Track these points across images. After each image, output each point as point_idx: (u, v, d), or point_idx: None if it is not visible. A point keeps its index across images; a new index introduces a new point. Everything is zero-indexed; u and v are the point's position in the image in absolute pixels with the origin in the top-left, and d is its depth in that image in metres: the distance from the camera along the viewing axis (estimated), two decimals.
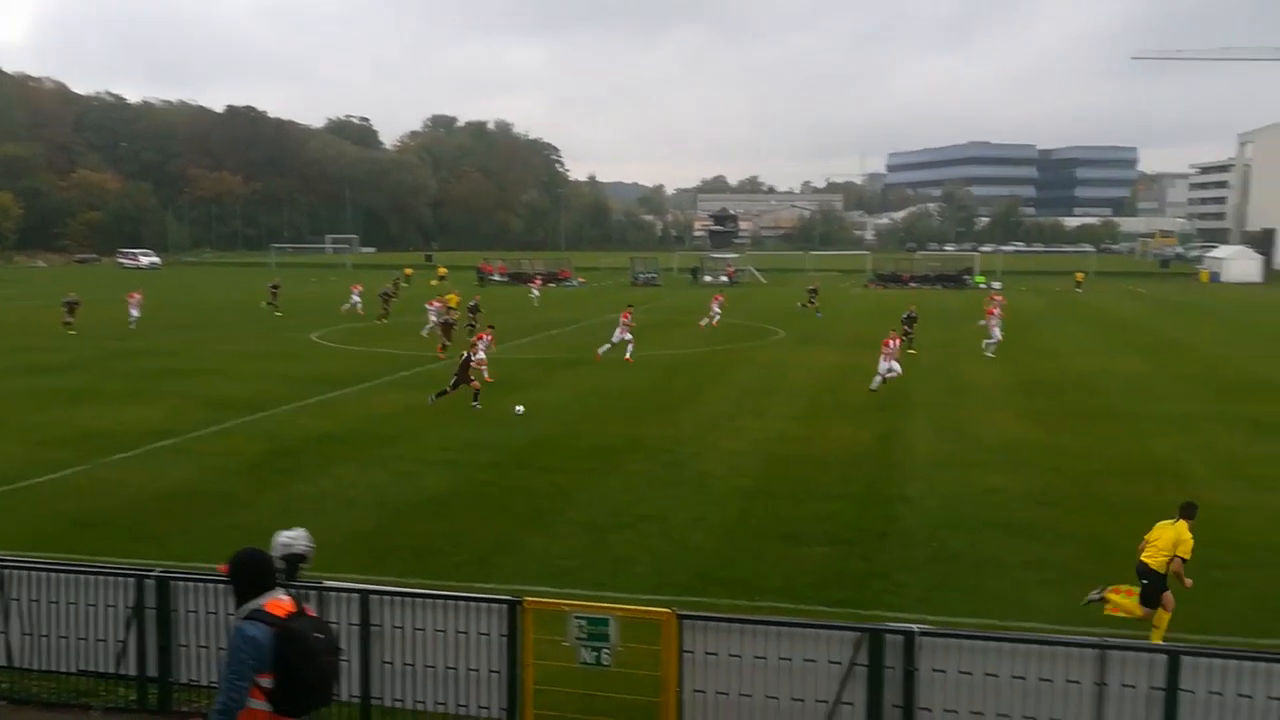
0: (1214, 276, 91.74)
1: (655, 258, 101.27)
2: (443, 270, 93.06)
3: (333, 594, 9.42)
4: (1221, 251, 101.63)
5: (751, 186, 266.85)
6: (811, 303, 57.02)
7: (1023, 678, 8.39)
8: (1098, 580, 13.46)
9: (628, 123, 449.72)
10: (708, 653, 8.79)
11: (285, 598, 6.55)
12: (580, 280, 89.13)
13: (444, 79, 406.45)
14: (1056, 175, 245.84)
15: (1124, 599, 11.74)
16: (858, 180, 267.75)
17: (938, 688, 8.56)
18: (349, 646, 9.19)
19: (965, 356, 37.30)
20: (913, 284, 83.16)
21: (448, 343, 36.69)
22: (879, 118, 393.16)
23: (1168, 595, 11.44)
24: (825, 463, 20.27)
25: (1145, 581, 11.47)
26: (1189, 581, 11.45)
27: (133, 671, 9.87)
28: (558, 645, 8.89)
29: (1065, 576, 13.72)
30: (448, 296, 50.47)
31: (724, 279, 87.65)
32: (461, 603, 9.34)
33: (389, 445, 21.63)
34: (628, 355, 31.25)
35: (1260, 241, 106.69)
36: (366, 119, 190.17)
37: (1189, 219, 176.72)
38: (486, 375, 27.07)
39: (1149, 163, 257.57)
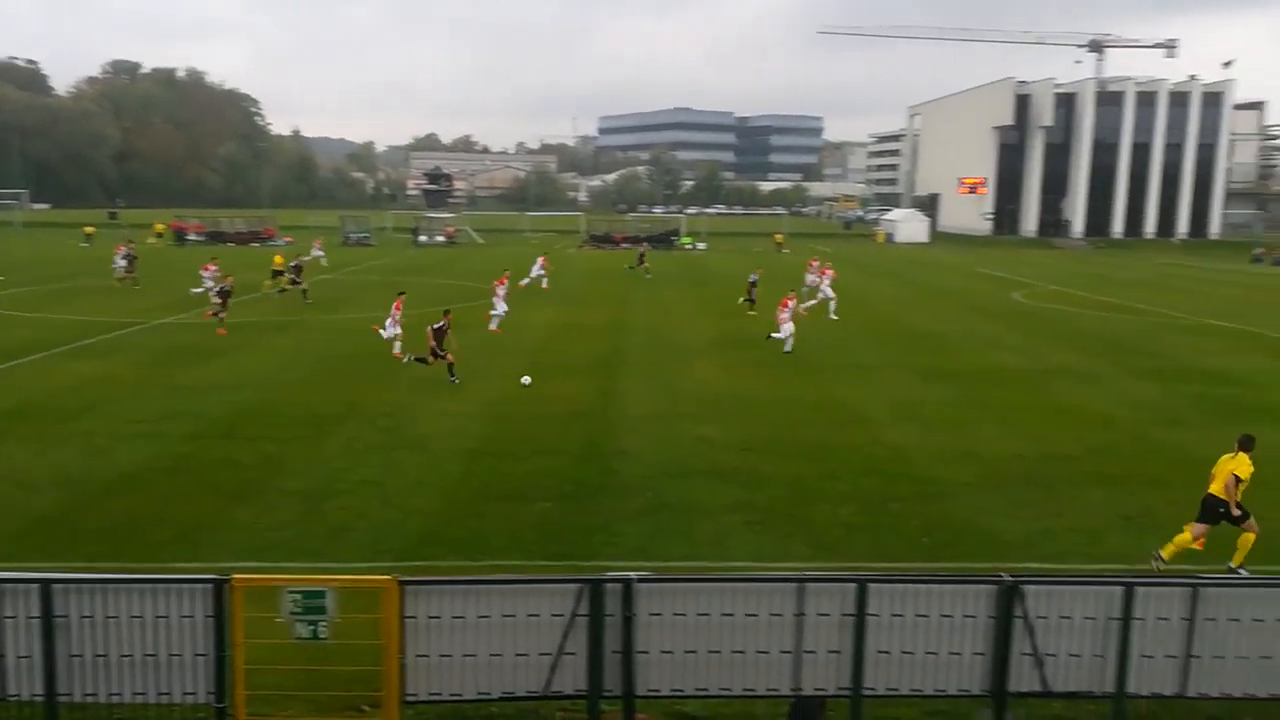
0: (889, 237, 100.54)
1: (367, 217, 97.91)
2: (160, 227, 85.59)
3: (5, 587, 8.50)
4: (895, 214, 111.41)
5: (465, 146, 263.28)
6: (642, 263, 56.14)
7: (731, 615, 8.93)
8: (798, 519, 14.57)
9: (335, 76, 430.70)
10: (431, 617, 8.71)
11: None
12: (287, 240, 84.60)
13: (126, 22, 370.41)
14: (753, 142, 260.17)
15: (1172, 547, 12.90)
16: (570, 142, 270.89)
17: (655, 631, 8.94)
18: (26, 642, 8.36)
19: (675, 314, 38.83)
20: (625, 245, 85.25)
21: (223, 314, 32.28)
22: (591, 81, 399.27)
23: (1251, 520, 12.65)
24: (546, 420, 20.53)
25: (1218, 509, 12.68)
26: (1237, 498, 12.63)
27: None
28: (271, 622, 8.51)
29: (767, 518, 14.71)
30: (276, 258, 46.09)
31: (440, 239, 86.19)
32: (160, 586, 8.69)
33: (75, 419, 19.73)
34: (396, 351, 27.79)
35: (927, 206, 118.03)
36: (34, 61, 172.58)
37: (868, 184, 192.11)
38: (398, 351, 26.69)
39: (834, 131, 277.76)
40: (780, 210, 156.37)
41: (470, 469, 17.07)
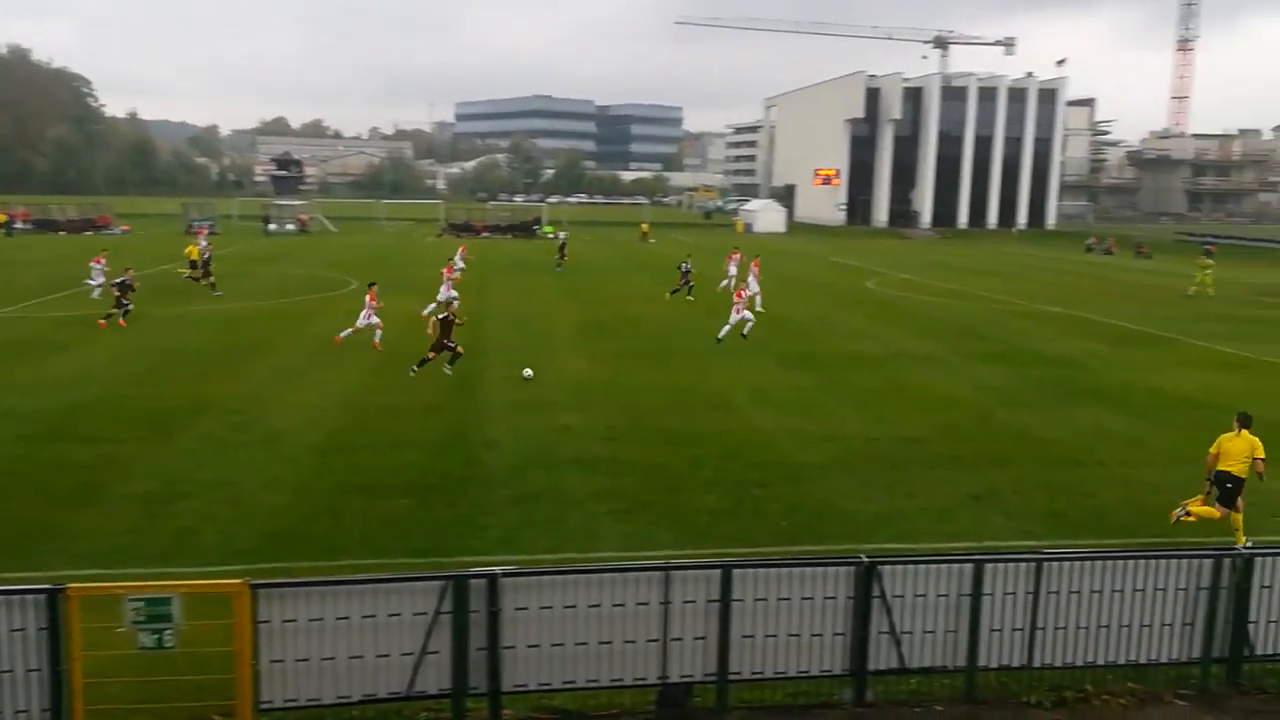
0: (748, 227, 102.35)
1: (212, 204, 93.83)
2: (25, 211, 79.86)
3: None
4: (753, 205, 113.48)
5: (316, 131, 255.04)
6: (562, 254, 54.60)
7: (598, 606, 8.90)
8: (663, 507, 14.65)
9: (174, 56, 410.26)
10: (285, 620, 8.38)
11: None
12: (124, 228, 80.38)
13: None
14: (614, 130, 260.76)
15: (1203, 509, 13.37)
16: (427, 128, 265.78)
17: (521, 625, 8.84)
18: None
19: (539, 303, 38.61)
20: (485, 234, 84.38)
21: (115, 311, 30.17)
22: (446, 65, 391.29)
23: (1240, 500, 13.13)
24: (406, 412, 20.08)
25: (1229, 485, 13.18)
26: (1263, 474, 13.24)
27: None
28: (112, 633, 8.02)
29: (633, 506, 14.74)
30: (188, 249, 43.12)
31: (290, 227, 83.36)
32: None
33: None
34: (377, 340, 26.61)
35: (784, 196, 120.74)
36: None
37: (727, 174, 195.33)
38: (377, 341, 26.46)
39: (694, 122, 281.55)
40: (642, 200, 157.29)
41: (325, 464, 16.53)
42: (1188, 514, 13.67)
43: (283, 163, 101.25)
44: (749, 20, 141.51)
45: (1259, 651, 9.71)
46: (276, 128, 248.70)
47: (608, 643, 8.96)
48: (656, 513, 14.51)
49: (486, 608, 8.75)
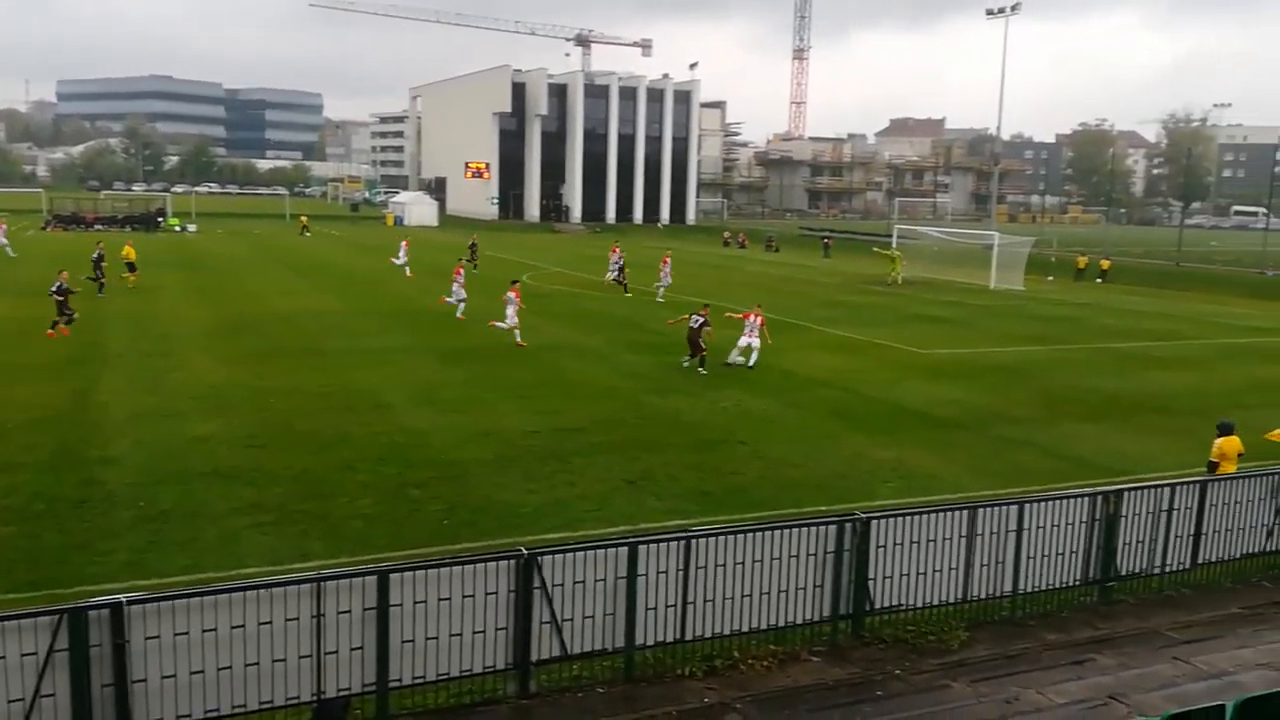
0: (398, 220, 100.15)
1: None
2: None
3: None
4: (403, 197, 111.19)
5: None
6: (473, 258, 48.76)
7: (242, 626, 8.23)
8: (314, 515, 13.89)
9: None
10: None
11: None
12: None
13: None
14: (246, 116, 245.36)
15: None
16: (22, 108, 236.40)
17: (153, 656, 8.00)
18: None
19: (166, 302, 35.48)
20: (99, 226, 76.17)
21: (60, 319, 27.57)
22: (47, 37, 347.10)
23: None
24: (8, 430, 17.64)
25: None
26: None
27: None
28: None
29: (280, 517, 13.85)
30: (126, 249, 41.34)
31: None
32: None
33: None
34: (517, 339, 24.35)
35: (435, 189, 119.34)
36: None
37: (373, 165, 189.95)
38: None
39: (335, 110, 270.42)
40: (281, 190, 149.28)
41: None
42: None
43: None
44: (388, 7, 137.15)
45: (878, 605, 10.76)
46: None
47: (255, 664, 8.31)
48: (307, 522, 13.73)
49: (111, 640, 7.82)
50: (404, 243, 49.61)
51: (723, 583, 9.99)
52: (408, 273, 45.65)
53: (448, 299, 33.87)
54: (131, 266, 40.81)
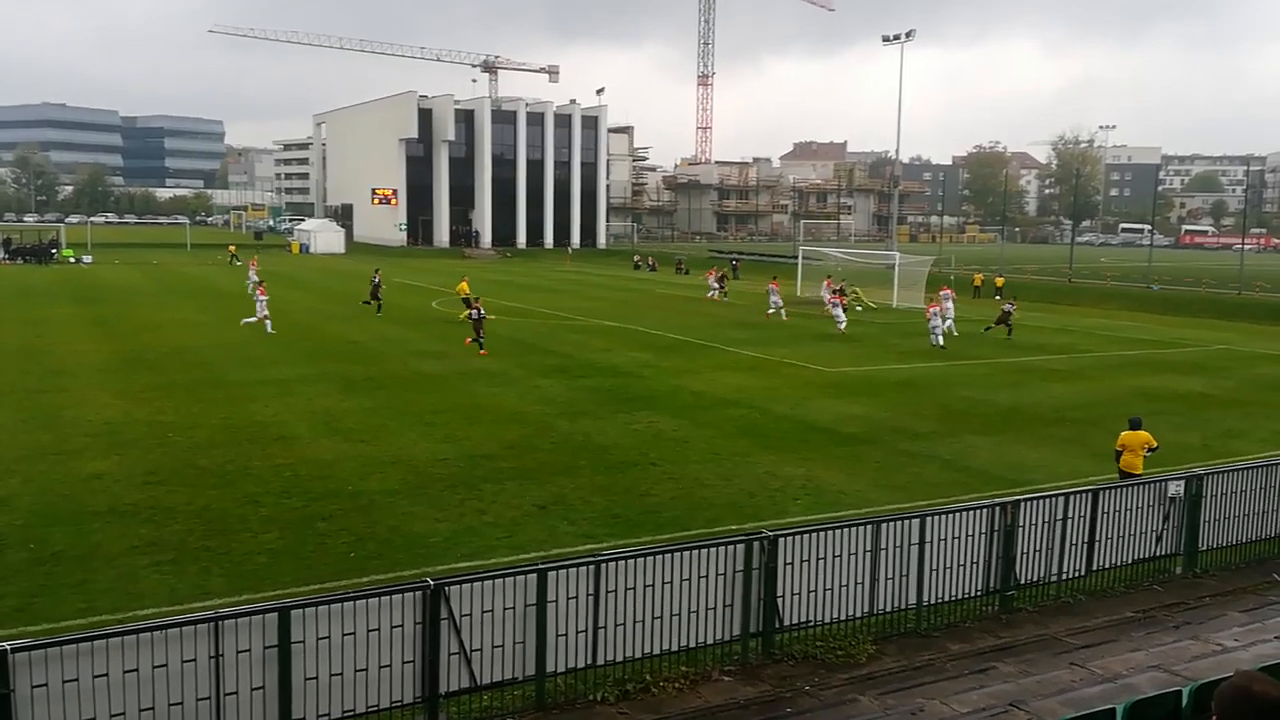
0: (304, 248, 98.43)
1: None
2: None
3: None
4: (309, 224, 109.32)
5: None
6: (377, 298, 46.40)
7: (135, 670, 7.95)
8: (215, 552, 13.51)
9: None
10: None
11: None
12: None
13: None
14: (144, 144, 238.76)
15: None
16: None
17: (40, 705, 7.67)
18: None
19: (58, 335, 34.24)
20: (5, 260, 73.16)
21: None
22: None
23: None
24: None
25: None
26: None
27: None
28: None
29: (179, 555, 13.43)
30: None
31: None
32: None
33: None
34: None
35: (341, 216, 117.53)
36: None
37: (278, 192, 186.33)
38: None
39: (238, 136, 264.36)
40: (182, 219, 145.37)
41: None
42: None
43: None
44: (289, 33, 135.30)
45: (787, 622, 10.86)
46: None
47: (150, 709, 8.02)
48: (208, 559, 13.34)
49: None
50: (251, 261, 48.86)
51: (633, 605, 9.98)
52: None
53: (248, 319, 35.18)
54: None
